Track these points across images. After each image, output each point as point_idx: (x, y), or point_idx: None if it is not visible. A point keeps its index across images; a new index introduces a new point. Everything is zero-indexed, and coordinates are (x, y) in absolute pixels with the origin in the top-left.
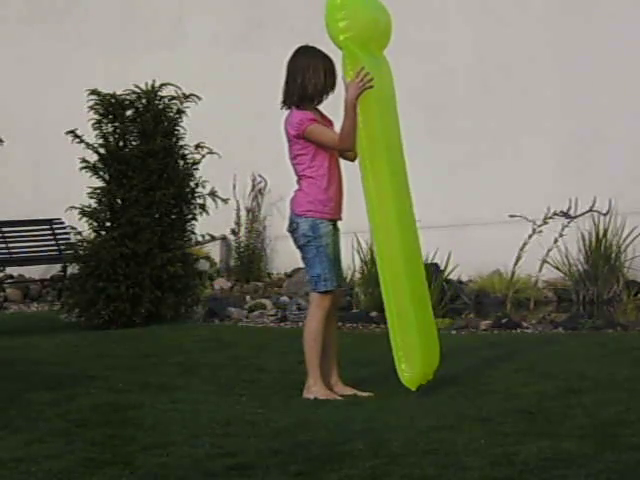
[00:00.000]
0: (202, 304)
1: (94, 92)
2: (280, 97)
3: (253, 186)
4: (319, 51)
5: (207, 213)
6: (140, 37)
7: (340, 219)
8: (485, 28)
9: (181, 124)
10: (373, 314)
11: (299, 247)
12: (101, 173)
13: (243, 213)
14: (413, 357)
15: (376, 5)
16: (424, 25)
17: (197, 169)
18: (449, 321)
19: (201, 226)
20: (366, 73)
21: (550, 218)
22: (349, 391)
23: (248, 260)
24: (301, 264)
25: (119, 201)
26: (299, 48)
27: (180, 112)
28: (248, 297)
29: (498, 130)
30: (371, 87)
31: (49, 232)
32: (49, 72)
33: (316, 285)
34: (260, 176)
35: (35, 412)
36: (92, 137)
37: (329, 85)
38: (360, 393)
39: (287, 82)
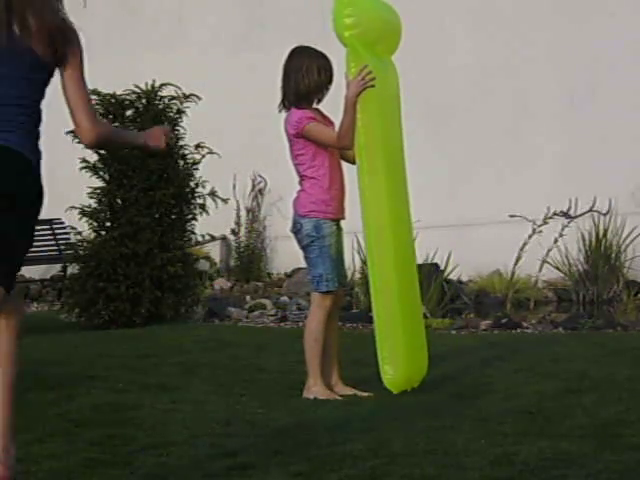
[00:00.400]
0: (202, 304)
1: (94, 92)
2: (278, 99)
3: (253, 186)
4: (313, 50)
5: (207, 213)
6: (140, 37)
7: (343, 218)
8: (485, 28)
9: (181, 124)
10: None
11: (302, 247)
12: (101, 173)
13: (243, 213)
14: (397, 360)
15: (386, 7)
16: (424, 25)
17: (197, 169)
18: (449, 321)
19: (201, 226)
20: (368, 72)
21: (550, 218)
22: (349, 391)
23: (248, 260)
24: (301, 264)
25: (119, 201)
26: (293, 49)
27: (180, 112)
28: (248, 297)
29: (498, 130)
30: (372, 86)
31: (49, 232)
32: None
33: (318, 285)
34: (260, 176)
35: (35, 412)
36: None
37: (324, 82)
38: (360, 393)
39: (283, 83)
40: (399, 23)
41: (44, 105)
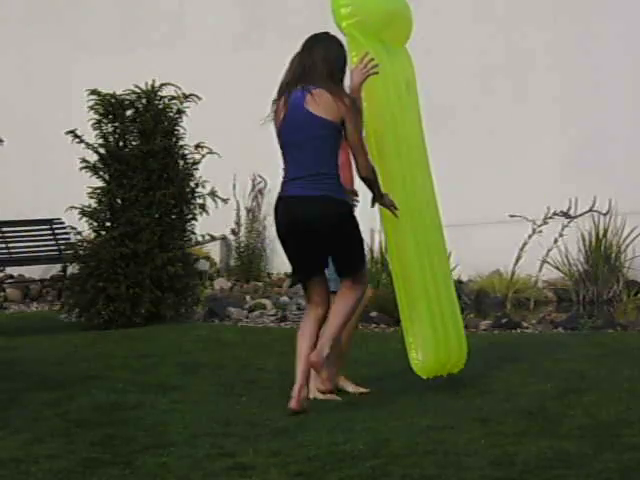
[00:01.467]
0: (202, 304)
1: (94, 92)
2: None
3: (253, 186)
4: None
5: (207, 213)
6: (140, 37)
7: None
8: (485, 28)
9: (181, 124)
10: (373, 314)
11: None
12: (101, 173)
13: (243, 213)
14: (425, 345)
15: None
16: (424, 25)
17: (197, 169)
18: None
19: (201, 226)
20: (370, 59)
21: (550, 218)
22: (350, 387)
23: (248, 260)
24: None
25: (119, 201)
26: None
27: (180, 112)
28: (248, 297)
29: (498, 130)
30: (376, 73)
31: (49, 232)
32: (49, 72)
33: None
34: (260, 176)
35: (35, 412)
36: (92, 137)
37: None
38: (361, 389)
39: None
40: (406, 11)
41: (42, 109)
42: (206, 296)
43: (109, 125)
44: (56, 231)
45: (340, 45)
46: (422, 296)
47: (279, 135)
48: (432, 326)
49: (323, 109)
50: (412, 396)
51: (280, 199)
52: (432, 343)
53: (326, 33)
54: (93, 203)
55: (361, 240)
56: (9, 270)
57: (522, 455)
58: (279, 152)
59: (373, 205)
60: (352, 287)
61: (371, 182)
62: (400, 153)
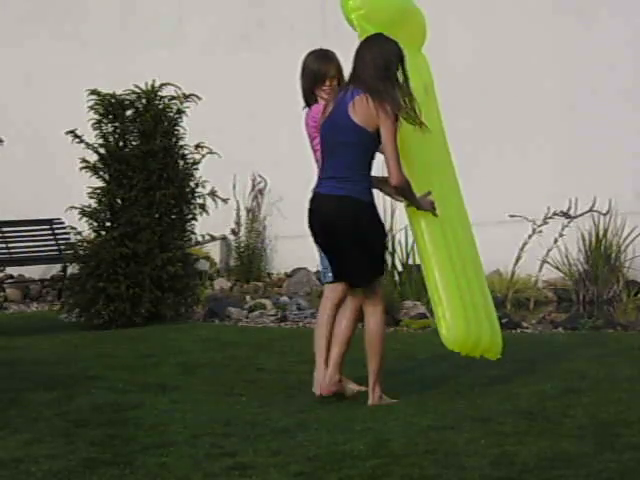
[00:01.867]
0: (202, 304)
1: (94, 92)
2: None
3: (253, 186)
4: (310, 53)
5: (207, 213)
6: (140, 37)
7: None
8: (485, 28)
9: (181, 124)
10: None
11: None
12: (101, 173)
13: (243, 213)
14: (454, 318)
15: None
16: None
17: (197, 169)
18: None
19: (201, 226)
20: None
21: (550, 218)
22: (353, 385)
23: (248, 260)
24: (301, 264)
25: (119, 201)
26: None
27: (180, 112)
28: (248, 297)
29: (498, 130)
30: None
31: (49, 232)
32: (49, 72)
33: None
34: (260, 176)
35: (35, 412)
36: (92, 137)
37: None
38: (363, 387)
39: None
40: (418, 14)
41: (42, 109)
42: (206, 296)
43: (109, 125)
44: (56, 231)
45: (392, 45)
46: (450, 273)
47: (320, 129)
48: (462, 301)
49: (364, 117)
50: (412, 396)
51: (314, 196)
52: (461, 316)
53: (378, 34)
54: (93, 203)
55: (382, 251)
56: (9, 270)
57: (522, 455)
58: (279, 152)
59: (408, 206)
60: (373, 303)
61: (405, 192)
62: (419, 150)
